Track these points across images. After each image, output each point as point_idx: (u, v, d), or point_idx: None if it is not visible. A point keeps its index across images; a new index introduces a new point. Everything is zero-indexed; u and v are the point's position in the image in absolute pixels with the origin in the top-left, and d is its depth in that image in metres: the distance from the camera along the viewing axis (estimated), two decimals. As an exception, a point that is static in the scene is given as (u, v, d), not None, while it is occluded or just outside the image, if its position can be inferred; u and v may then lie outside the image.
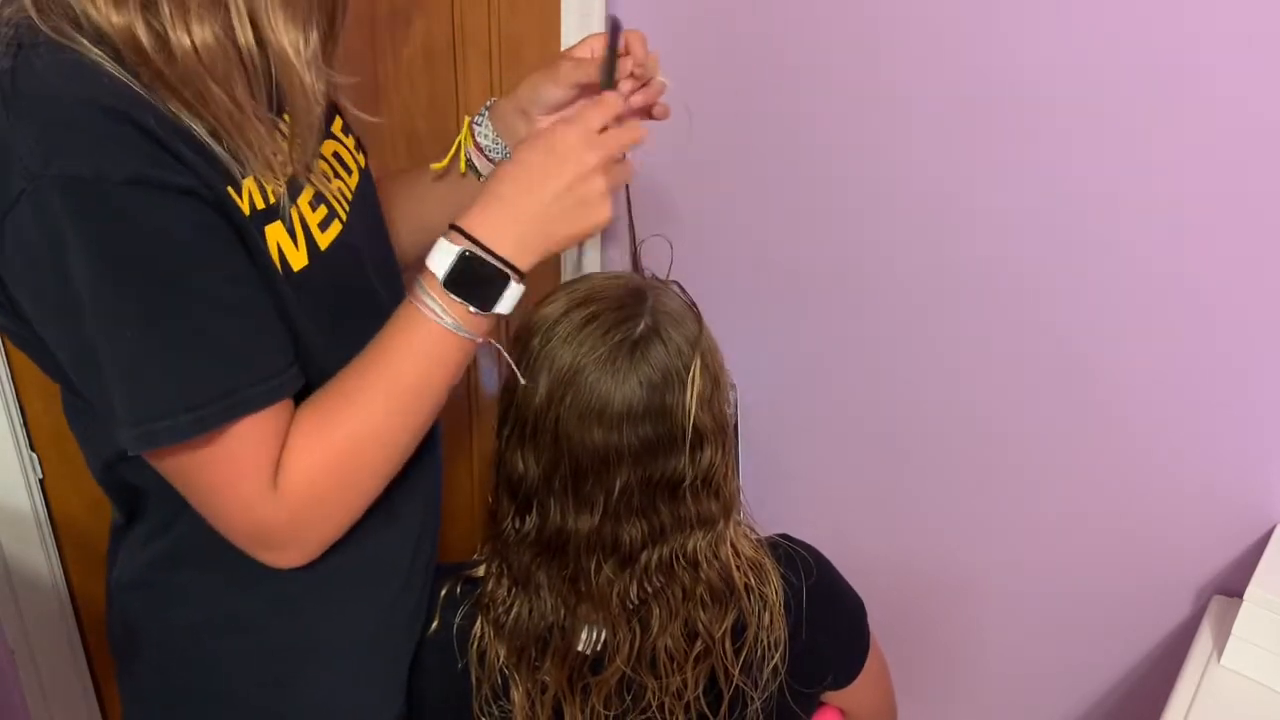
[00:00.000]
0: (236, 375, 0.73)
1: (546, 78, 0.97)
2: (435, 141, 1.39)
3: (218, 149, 0.72)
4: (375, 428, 0.79)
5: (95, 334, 0.69)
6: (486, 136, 1.03)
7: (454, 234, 0.80)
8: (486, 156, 1.03)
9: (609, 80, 0.93)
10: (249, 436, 0.74)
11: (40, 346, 0.76)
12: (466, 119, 1.04)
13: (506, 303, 0.81)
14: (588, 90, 0.96)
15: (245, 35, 0.71)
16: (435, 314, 0.79)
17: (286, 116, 0.79)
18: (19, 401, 1.23)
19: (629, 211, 1.00)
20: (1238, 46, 1.06)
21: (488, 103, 1.04)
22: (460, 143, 1.03)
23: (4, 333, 0.80)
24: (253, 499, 0.75)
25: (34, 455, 1.27)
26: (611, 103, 0.87)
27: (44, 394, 1.24)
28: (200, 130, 0.71)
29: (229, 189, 0.73)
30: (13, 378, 1.21)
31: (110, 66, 0.68)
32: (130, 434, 0.71)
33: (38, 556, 1.32)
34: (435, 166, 1.05)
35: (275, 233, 0.77)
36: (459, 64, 1.37)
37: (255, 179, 0.75)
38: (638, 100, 0.96)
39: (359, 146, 0.96)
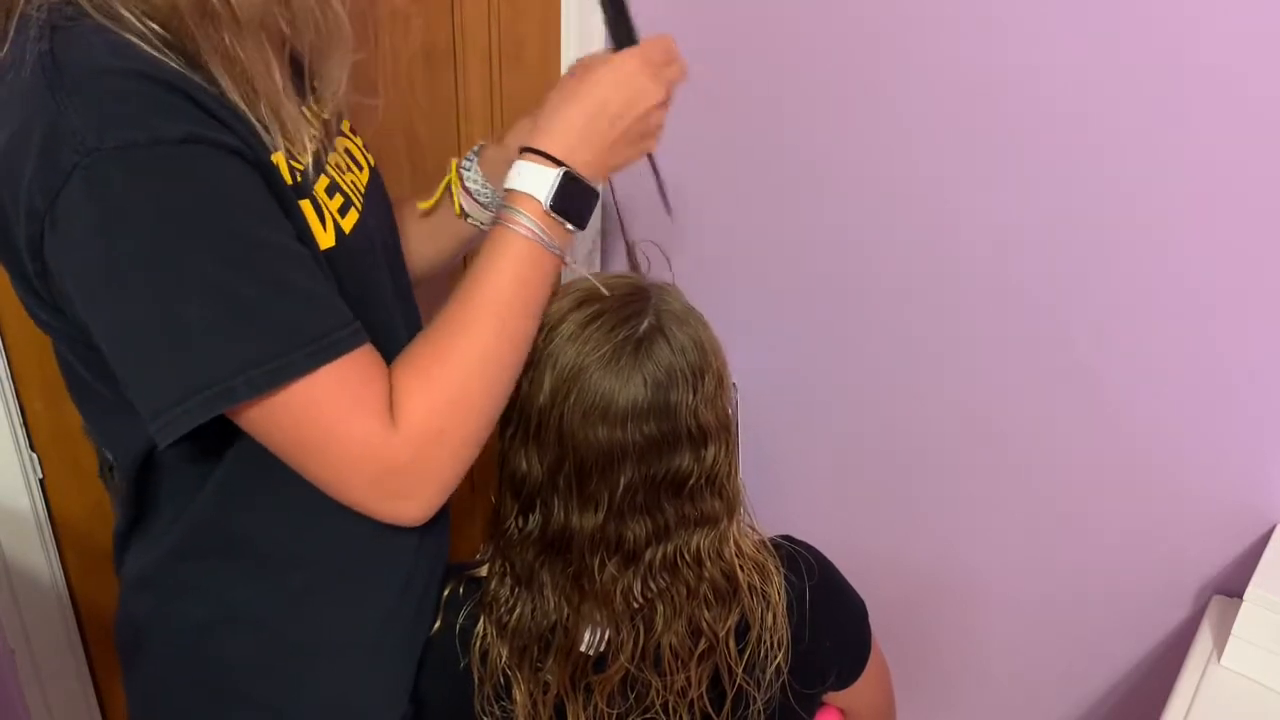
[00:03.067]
0: (322, 319, 0.72)
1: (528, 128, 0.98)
2: (435, 142, 1.39)
3: (254, 120, 0.72)
4: (487, 351, 0.80)
5: (156, 302, 0.68)
6: (476, 181, 1.04)
7: (538, 157, 0.83)
8: (476, 200, 1.04)
9: (630, 36, 0.91)
10: (346, 375, 0.73)
11: (75, 338, 0.75)
12: (454, 162, 1.05)
13: (590, 220, 0.86)
14: None
15: None
16: (537, 235, 0.82)
17: (311, 106, 0.81)
18: (19, 401, 1.23)
19: (619, 215, 1.00)
20: (1237, 53, 1.06)
21: (475, 147, 1.05)
22: (449, 183, 1.05)
23: (39, 325, 0.79)
24: (372, 437, 0.74)
25: (34, 455, 1.27)
26: (667, 40, 0.89)
27: (44, 394, 1.24)
28: (237, 100, 0.71)
29: (271, 157, 0.74)
30: (13, 378, 1.21)
31: (146, 46, 0.69)
32: (204, 396, 0.69)
33: (38, 556, 1.31)
34: (422, 205, 1.06)
35: (306, 209, 0.77)
36: (459, 64, 1.37)
37: (284, 154, 0.75)
38: None
39: (367, 146, 0.96)
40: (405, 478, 0.76)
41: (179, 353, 0.69)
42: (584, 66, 0.88)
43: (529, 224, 0.82)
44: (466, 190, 1.04)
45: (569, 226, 0.84)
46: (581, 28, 1.42)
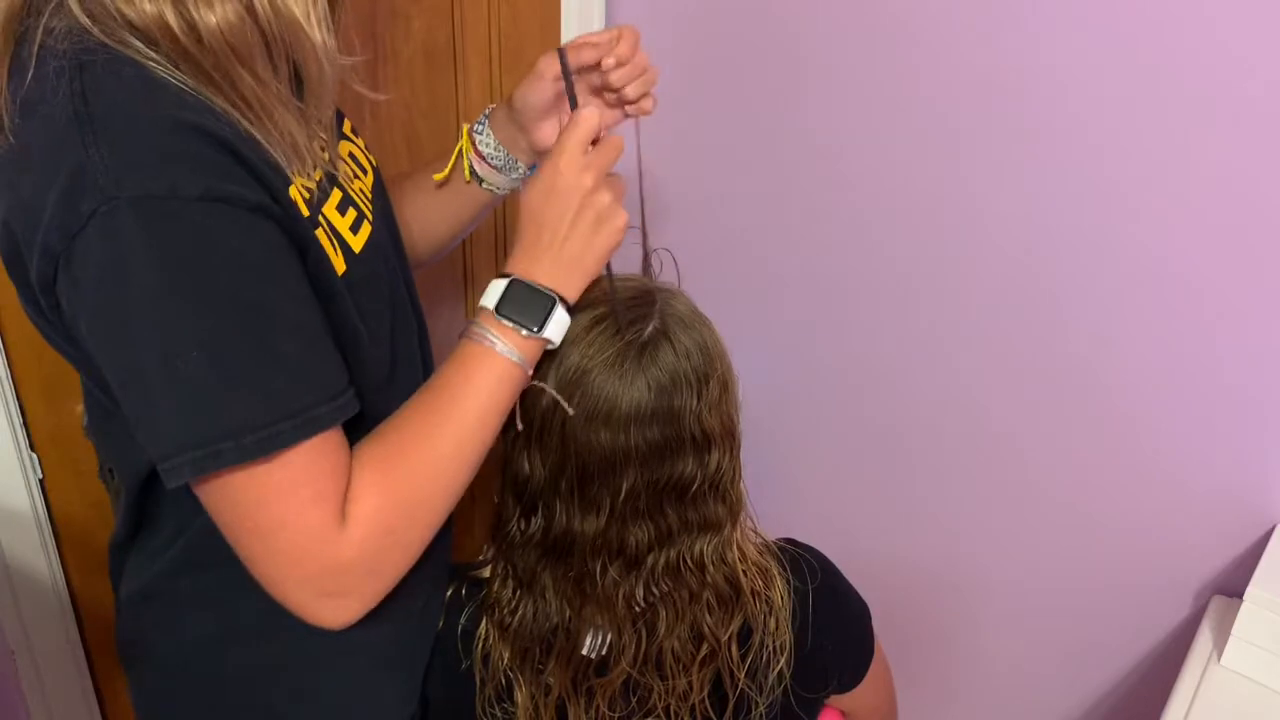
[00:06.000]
0: (306, 393, 0.72)
1: (528, 83, 0.99)
2: (435, 142, 1.39)
3: (269, 148, 0.72)
4: (439, 459, 0.80)
5: (155, 354, 0.68)
6: (489, 145, 1.04)
7: (499, 278, 0.86)
8: (489, 164, 1.05)
9: (573, 101, 0.95)
10: (315, 463, 0.73)
11: (90, 364, 0.75)
12: (465, 127, 1.05)
13: (554, 327, 0.86)
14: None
15: (263, 5, 0.71)
16: (490, 341, 0.83)
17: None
18: (19, 401, 1.23)
19: (642, 214, 1.00)
20: (1237, 52, 1.06)
21: (486, 110, 1.05)
22: (461, 150, 1.05)
23: (52, 345, 0.79)
24: (321, 531, 0.73)
25: (34, 455, 1.27)
26: (585, 120, 0.88)
27: (44, 394, 1.24)
28: (251, 129, 0.71)
29: (289, 190, 0.73)
30: (13, 378, 1.21)
31: (165, 71, 0.69)
32: (186, 458, 0.69)
33: (38, 556, 1.31)
34: (437, 176, 1.06)
35: (321, 238, 0.77)
36: (459, 64, 1.37)
37: (298, 185, 0.75)
38: (632, 91, 0.97)
39: (368, 146, 0.96)
40: (346, 578, 0.76)
41: (172, 408, 0.69)
42: (529, 181, 0.90)
43: (483, 332, 0.84)
44: (480, 155, 1.04)
45: (523, 331, 0.84)
46: (581, 28, 1.42)
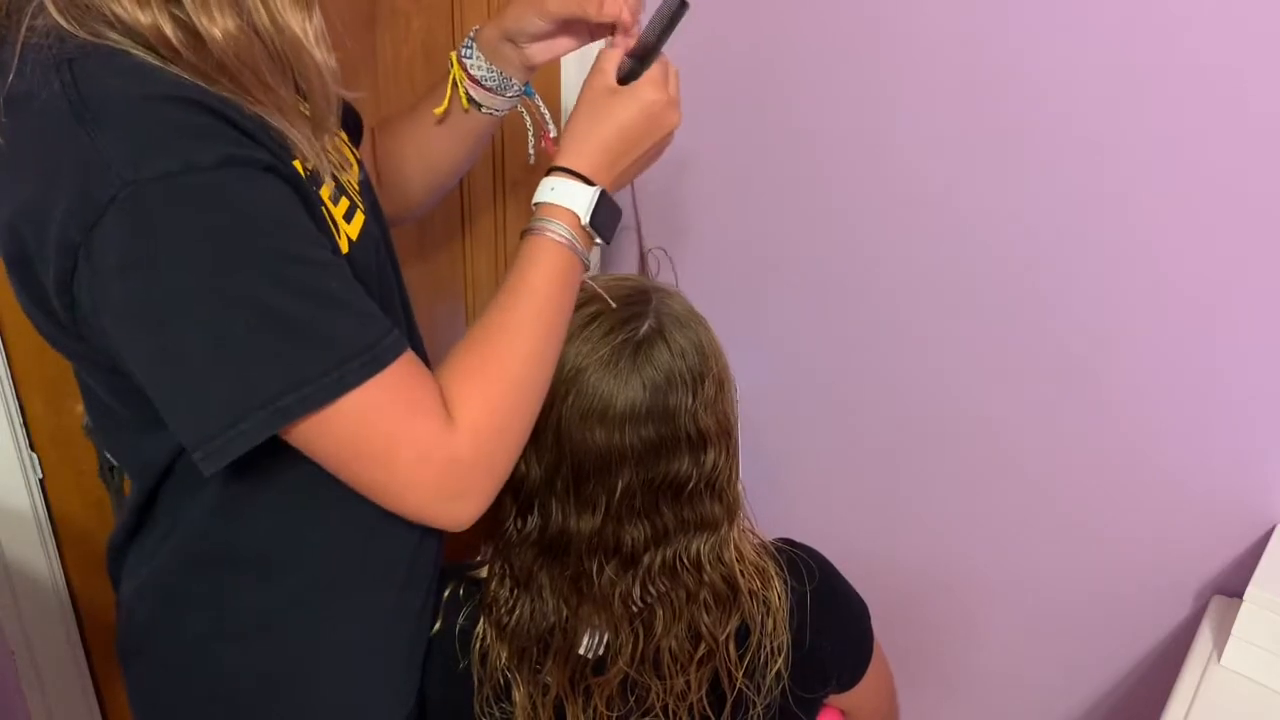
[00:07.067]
0: (367, 330, 0.73)
1: (532, 10, 0.99)
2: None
3: (273, 127, 0.72)
4: (531, 350, 0.83)
5: (202, 328, 0.68)
6: (480, 68, 1.04)
7: (571, 176, 0.88)
8: (483, 86, 1.05)
9: (658, 47, 0.94)
10: (401, 382, 0.74)
11: (95, 362, 0.75)
12: (453, 54, 1.05)
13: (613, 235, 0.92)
14: (568, 25, 0.99)
15: (262, 20, 0.71)
16: (572, 245, 0.86)
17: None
18: (19, 401, 1.23)
19: (636, 215, 1.01)
20: (1237, 55, 1.06)
21: (471, 34, 1.05)
22: (455, 80, 1.05)
23: (57, 349, 0.79)
24: (434, 432, 0.75)
25: (34, 455, 1.27)
26: (676, 73, 0.93)
27: (44, 394, 1.24)
28: (256, 109, 0.71)
29: (294, 163, 0.74)
30: (13, 378, 1.21)
31: (156, 60, 0.68)
32: (259, 417, 0.69)
33: (38, 556, 1.31)
34: (437, 110, 1.06)
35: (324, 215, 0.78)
36: (459, 63, 1.37)
37: (299, 162, 0.75)
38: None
39: (352, 138, 0.96)
40: (468, 475, 0.78)
41: (228, 376, 0.69)
42: (605, 89, 0.91)
43: (566, 234, 0.86)
44: (473, 79, 1.04)
45: (598, 240, 0.88)
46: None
